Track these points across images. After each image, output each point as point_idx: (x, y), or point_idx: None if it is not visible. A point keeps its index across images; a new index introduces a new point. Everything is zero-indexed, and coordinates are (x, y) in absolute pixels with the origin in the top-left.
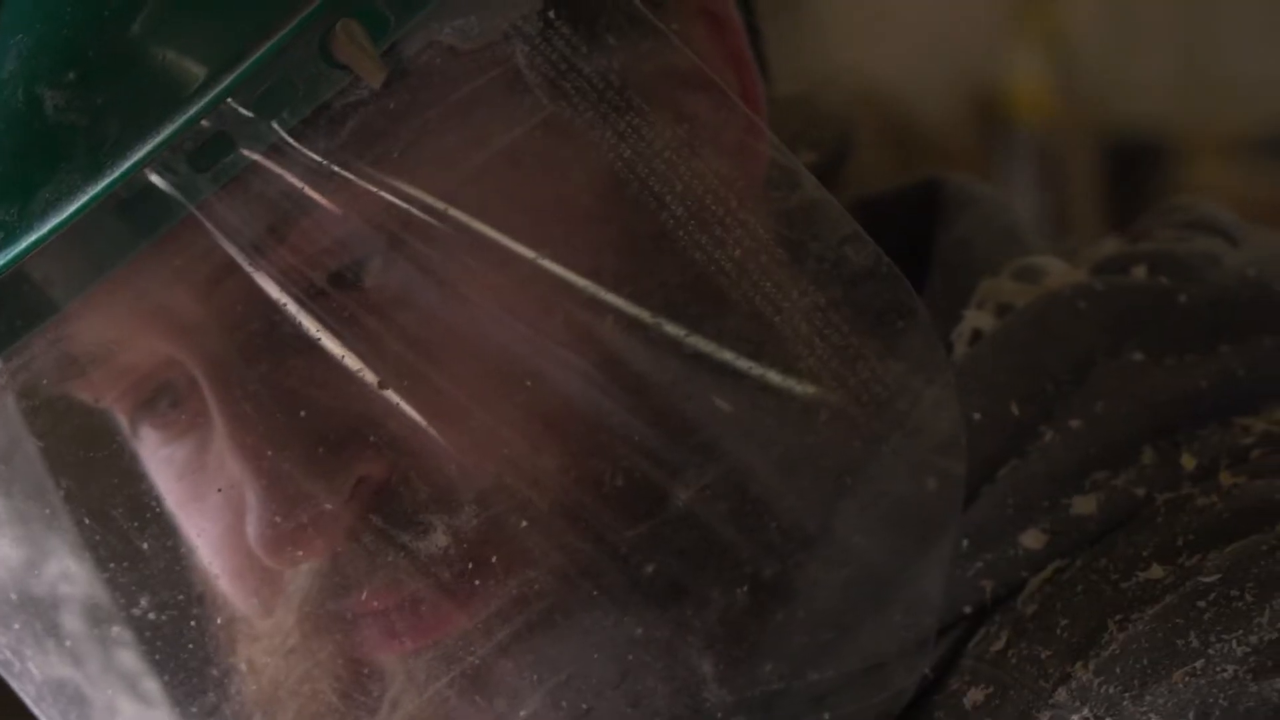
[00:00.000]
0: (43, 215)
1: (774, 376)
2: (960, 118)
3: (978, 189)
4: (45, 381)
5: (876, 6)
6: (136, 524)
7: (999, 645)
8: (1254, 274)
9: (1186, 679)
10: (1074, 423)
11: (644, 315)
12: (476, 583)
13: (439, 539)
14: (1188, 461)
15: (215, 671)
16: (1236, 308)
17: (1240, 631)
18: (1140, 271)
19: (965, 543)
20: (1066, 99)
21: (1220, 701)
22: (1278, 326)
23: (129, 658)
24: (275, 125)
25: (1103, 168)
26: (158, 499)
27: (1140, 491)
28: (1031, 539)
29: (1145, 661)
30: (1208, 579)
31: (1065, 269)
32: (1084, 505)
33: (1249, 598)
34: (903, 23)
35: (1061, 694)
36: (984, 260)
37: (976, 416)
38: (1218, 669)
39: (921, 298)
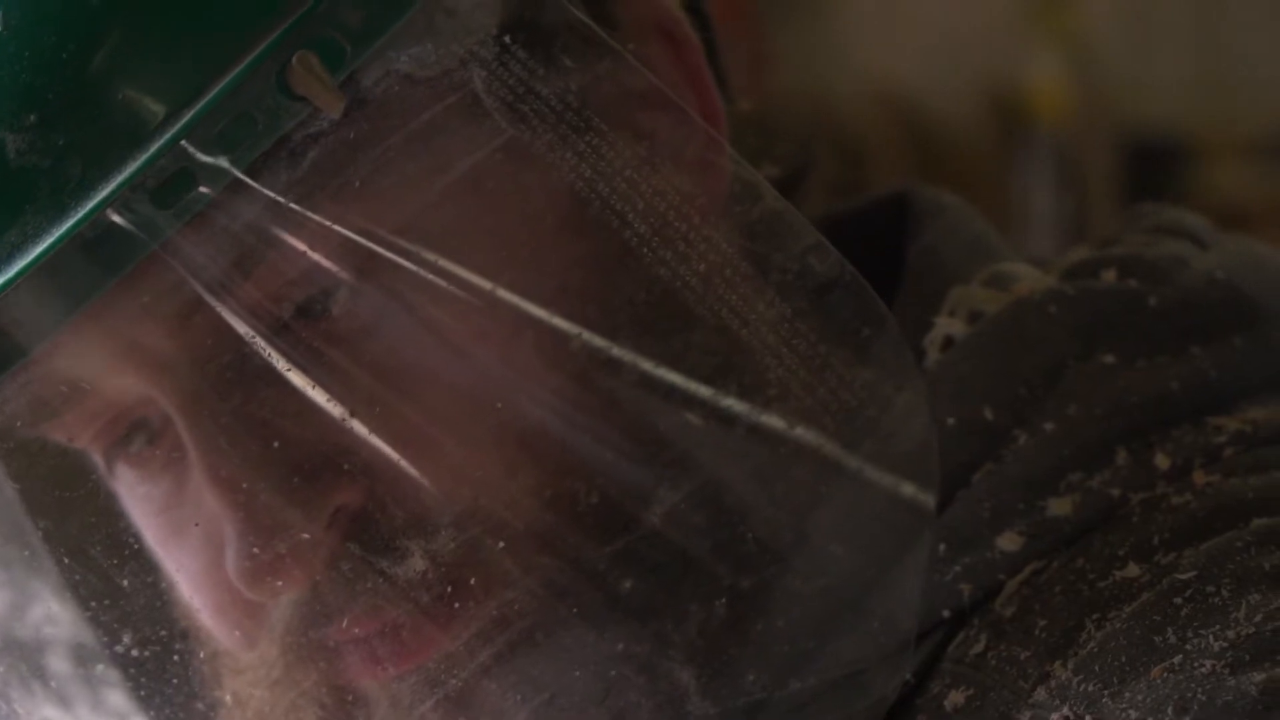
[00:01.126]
0: (8, 259)
1: (743, 389)
2: (978, 119)
3: (946, 199)
4: (19, 424)
5: (894, 9)
6: (116, 562)
7: (978, 648)
8: (1222, 276)
9: (1165, 675)
10: (1047, 426)
11: (612, 334)
12: (457, 605)
13: (418, 564)
14: (1162, 461)
15: (201, 706)
16: (1206, 309)
17: (1217, 627)
18: (1110, 275)
19: (942, 547)
20: (1084, 100)
21: (1199, 696)
22: (1247, 326)
23: (115, 696)
24: (235, 160)
25: (1121, 169)
26: (137, 537)
27: (1115, 492)
28: (1008, 541)
29: (1124, 659)
30: (1184, 576)
31: (1036, 275)
32: (1059, 507)
33: (1225, 593)
34: (920, 25)
35: (1041, 693)
36: (954, 268)
37: (950, 422)
38: (1195, 664)
39: (893, 307)
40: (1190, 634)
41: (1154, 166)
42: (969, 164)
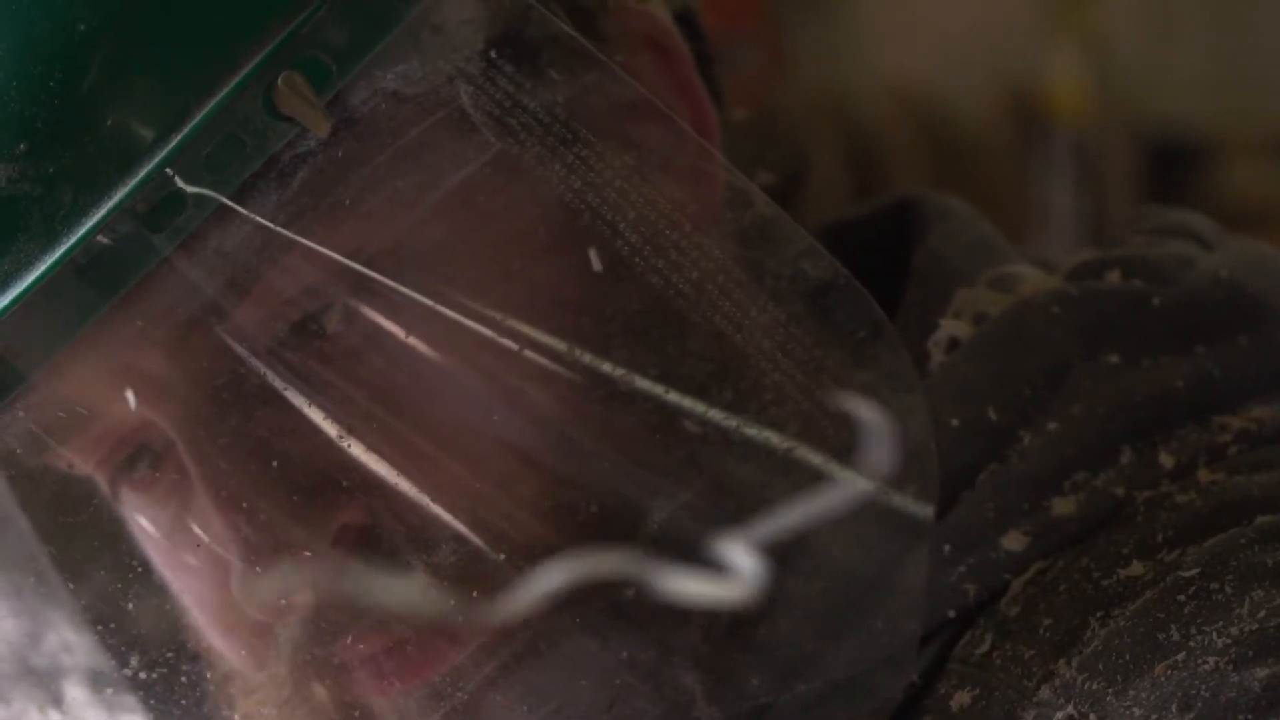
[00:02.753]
0: (2, 287)
1: (740, 394)
2: (997, 118)
3: (949, 203)
4: (20, 452)
5: (912, 8)
6: (121, 585)
7: (983, 648)
8: (1226, 275)
9: (1168, 672)
10: (1051, 426)
11: (607, 344)
12: (461, 619)
13: (421, 579)
14: (1166, 460)
15: None
16: (1210, 308)
17: (1220, 623)
18: (1114, 276)
19: (947, 548)
20: (1103, 99)
21: (1202, 693)
22: (1251, 326)
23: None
24: (224, 182)
25: (1140, 167)
26: (143, 559)
27: (1119, 491)
28: (1013, 541)
29: (1127, 656)
30: (1187, 573)
31: (1040, 276)
32: (1064, 506)
33: (1228, 590)
34: (939, 24)
35: (1045, 692)
36: (958, 271)
37: (954, 423)
38: (1199, 661)
39: (898, 310)
40: (1194, 631)
41: (1173, 165)
42: (988, 163)
